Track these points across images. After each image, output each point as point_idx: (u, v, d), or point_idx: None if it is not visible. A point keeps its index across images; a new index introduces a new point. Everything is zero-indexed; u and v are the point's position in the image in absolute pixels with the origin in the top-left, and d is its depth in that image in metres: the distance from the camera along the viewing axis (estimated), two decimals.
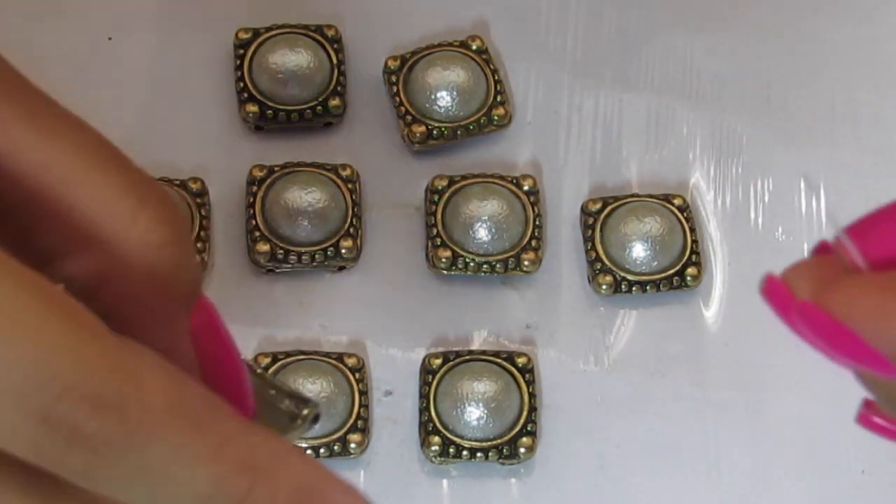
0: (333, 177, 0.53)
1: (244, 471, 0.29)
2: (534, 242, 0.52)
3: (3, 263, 0.27)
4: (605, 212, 0.53)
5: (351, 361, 0.51)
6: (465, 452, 0.50)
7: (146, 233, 0.30)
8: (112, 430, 0.27)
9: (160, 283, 0.30)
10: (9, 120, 0.29)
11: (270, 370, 0.50)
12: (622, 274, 0.52)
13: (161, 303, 0.31)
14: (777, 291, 0.31)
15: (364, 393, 0.50)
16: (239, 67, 0.55)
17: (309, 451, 0.49)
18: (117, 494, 0.29)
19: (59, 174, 0.30)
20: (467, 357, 0.51)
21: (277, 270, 0.52)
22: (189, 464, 0.28)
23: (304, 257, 0.52)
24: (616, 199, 0.54)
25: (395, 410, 0.51)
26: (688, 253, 0.53)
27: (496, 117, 0.54)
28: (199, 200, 0.52)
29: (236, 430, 0.29)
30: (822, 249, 0.32)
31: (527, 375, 0.51)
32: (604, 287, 0.52)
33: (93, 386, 0.27)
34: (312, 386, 0.50)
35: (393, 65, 0.55)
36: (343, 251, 0.52)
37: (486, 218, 0.52)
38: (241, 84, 0.54)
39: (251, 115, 0.54)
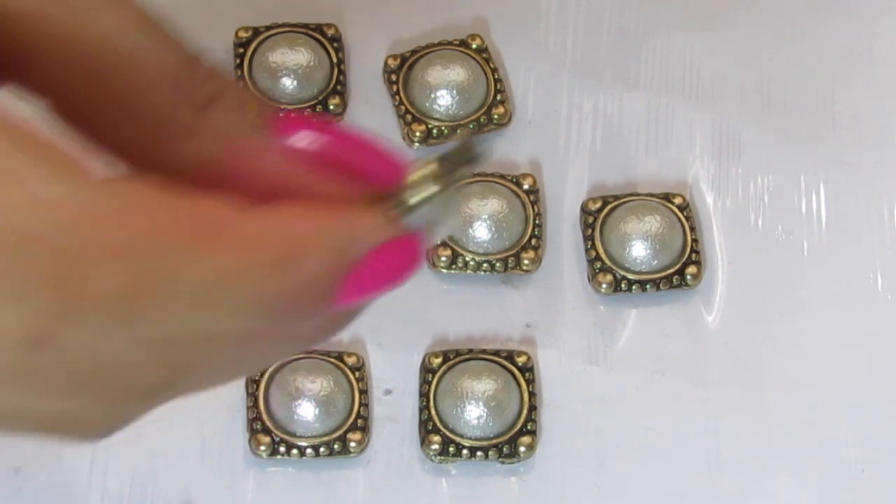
0: None
1: (276, 270, 0.28)
2: (534, 241, 0.52)
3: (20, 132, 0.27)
4: (605, 211, 0.53)
5: (351, 360, 0.51)
6: (465, 451, 0.50)
7: (199, 87, 0.30)
8: (131, 279, 0.27)
9: (227, 135, 0.30)
10: None
11: (269, 370, 0.50)
12: (622, 273, 0.52)
13: (238, 156, 0.30)
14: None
15: (364, 392, 0.50)
16: (239, 66, 0.55)
17: (309, 451, 0.49)
18: (151, 333, 0.28)
19: (109, 42, 0.29)
20: (467, 356, 0.51)
21: None
22: (221, 283, 0.28)
23: None
24: (616, 198, 0.54)
25: (395, 409, 0.51)
26: (688, 252, 0.53)
27: (496, 116, 0.54)
28: None
29: (254, 231, 0.28)
30: None
31: (527, 374, 0.51)
32: (604, 286, 0.52)
33: (102, 237, 0.27)
34: (312, 385, 0.50)
35: (393, 64, 0.55)
36: None
37: (486, 217, 0.52)
38: (241, 83, 0.54)
39: None
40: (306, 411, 0.50)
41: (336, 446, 0.49)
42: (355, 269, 0.29)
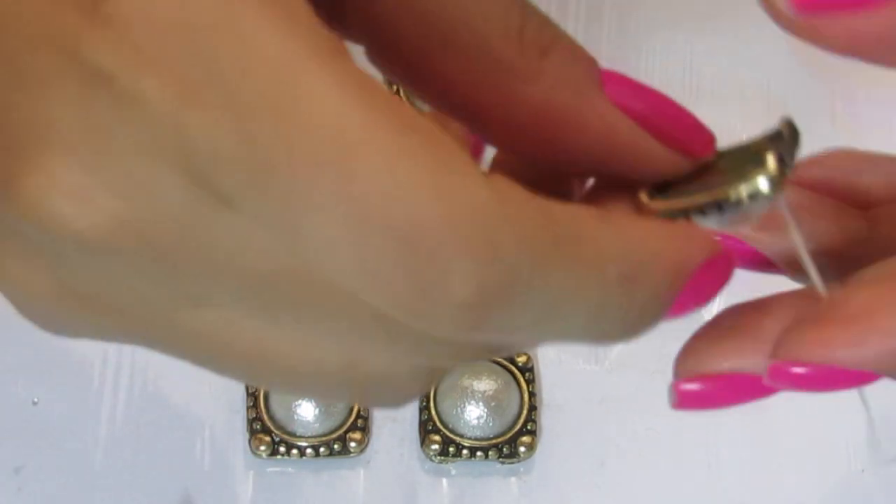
0: None
1: (624, 286, 0.27)
2: None
3: (373, 92, 0.25)
4: None
5: None
6: (464, 451, 0.50)
7: (531, 44, 0.29)
8: (491, 284, 0.25)
9: (564, 84, 0.29)
10: None
11: None
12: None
13: (574, 104, 0.29)
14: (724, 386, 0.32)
15: None
16: None
17: (308, 451, 0.49)
18: (491, 342, 0.27)
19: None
20: None
21: None
22: (571, 297, 0.26)
23: None
24: None
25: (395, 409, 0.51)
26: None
27: None
28: None
29: (608, 244, 0.27)
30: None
31: (527, 374, 0.51)
32: None
33: (467, 236, 0.25)
34: None
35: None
36: None
37: None
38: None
39: None
40: (306, 411, 0.50)
41: (336, 446, 0.49)
42: (688, 284, 0.29)
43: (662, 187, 0.30)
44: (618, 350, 0.52)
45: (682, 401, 0.32)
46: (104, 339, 0.29)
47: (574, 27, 0.57)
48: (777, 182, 0.29)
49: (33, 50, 0.25)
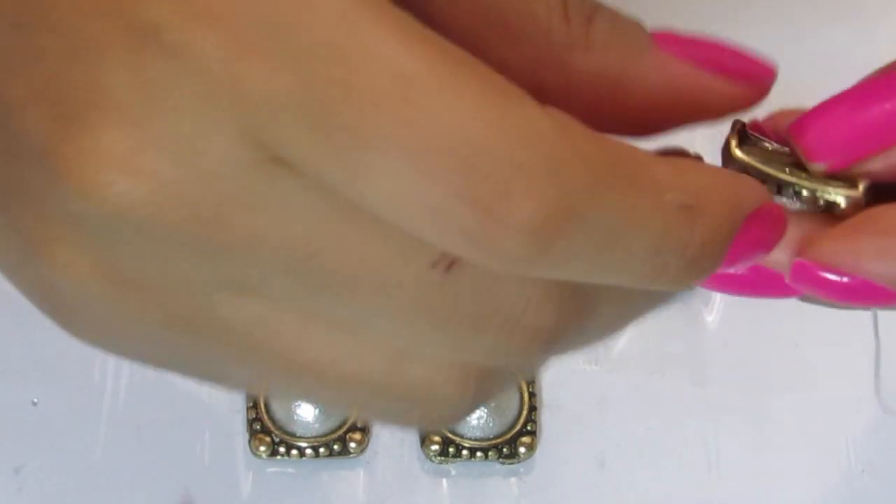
0: None
1: (683, 215, 0.27)
2: None
3: (422, 32, 0.25)
4: None
5: None
6: (464, 452, 0.50)
7: (575, 15, 0.29)
8: (553, 205, 0.25)
9: (614, 45, 0.29)
10: None
11: None
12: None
13: (630, 61, 0.29)
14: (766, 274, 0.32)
15: None
16: None
17: (308, 451, 0.49)
18: (553, 274, 0.26)
19: None
20: None
21: None
22: (632, 223, 0.26)
23: None
24: None
25: None
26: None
27: None
28: None
29: (666, 174, 0.27)
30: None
31: None
32: None
33: (527, 158, 0.25)
34: None
35: None
36: None
37: None
38: None
39: None
40: (306, 412, 0.50)
41: (336, 447, 0.49)
42: (740, 231, 0.29)
43: (747, 139, 0.31)
44: (618, 350, 0.52)
45: (804, 281, 0.33)
46: (134, 350, 0.29)
47: None
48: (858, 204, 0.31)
49: (82, 17, 0.25)
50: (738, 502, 0.51)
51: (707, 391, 0.52)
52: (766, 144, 0.31)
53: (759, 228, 0.29)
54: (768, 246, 0.30)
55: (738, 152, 0.30)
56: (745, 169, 0.30)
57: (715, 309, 0.53)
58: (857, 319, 0.53)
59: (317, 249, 0.26)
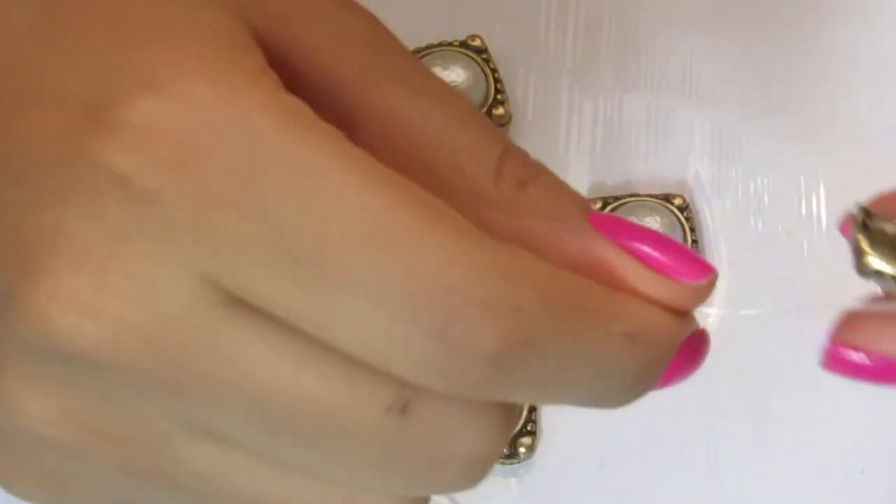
0: None
1: (627, 343, 0.28)
2: None
3: (385, 175, 0.26)
4: (605, 211, 0.53)
5: None
6: None
7: (510, 178, 0.30)
8: (513, 338, 0.26)
9: (543, 217, 0.30)
10: (386, 81, 0.29)
11: None
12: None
13: (554, 231, 0.30)
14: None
15: None
16: None
17: None
18: (507, 397, 0.28)
19: (431, 129, 0.30)
20: None
21: None
22: (581, 351, 0.28)
23: None
24: (616, 198, 0.54)
25: None
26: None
27: (496, 117, 0.54)
28: None
29: (612, 305, 0.29)
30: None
31: None
32: None
33: (489, 294, 0.26)
34: None
35: None
36: None
37: None
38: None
39: None
40: None
41: None
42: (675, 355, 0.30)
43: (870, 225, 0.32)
44: None
45: (834, 364, 0.35)
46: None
47: (574, 28, 0.57)
48: None
49: (47, 168, 0.26)
50: (738, 502, 0.51)
51: (707, 391, 0.52)
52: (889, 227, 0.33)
53: (691, 352, 0.32)
54: (695, 367, 0.32)
55: (872, 263, 0.32)
56: (871, 271, 0.32)
57: (715, 308, 0.53)
58: None
59: (275, 394, 0.26)
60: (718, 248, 0.54)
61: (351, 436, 0.27)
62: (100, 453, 0.28)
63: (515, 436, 0.50)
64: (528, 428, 0.50)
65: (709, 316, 0.35)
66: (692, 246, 0.53)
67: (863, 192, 0.54)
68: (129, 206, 0.25)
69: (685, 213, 0.53)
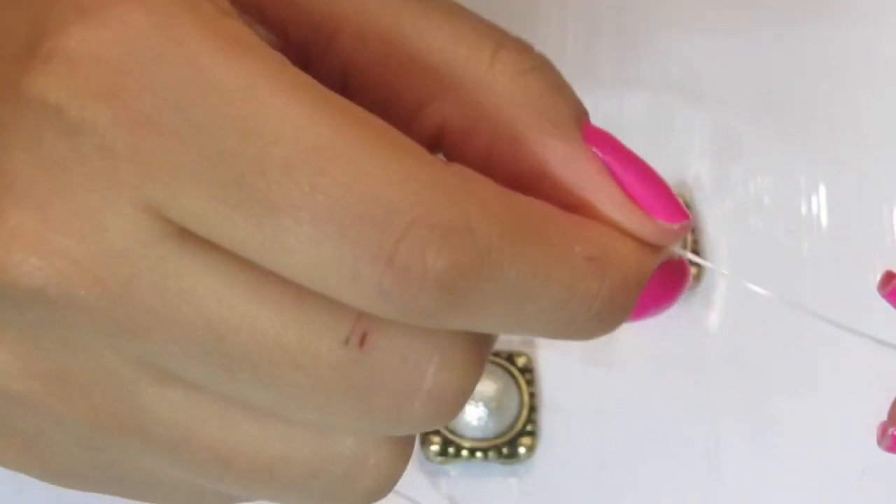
0: None
1: (591, 267, 0.27)
2: None
3: (326, 98, 0.26)
4: None
5: None
6: (464, 452, 0.50)
7: (508, 63, 0.29)
8: (464, 260, 0.25)
9: (533, 111, 0.29)
10: None
11: None
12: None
13: (542, 130, 0.29)
14: None
15: None
16: None
17: None
18: (467, 326, 0.27)
19: (411, 25, 0.29)
20: None
21: None
22: (542, 275, 0.27)
23: None
24: None
25: None
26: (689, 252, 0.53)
27: None
28: None
29: (574, 229, 0.28)
30: None
31: (527, 375, 0.51)
32: None
33: (436, 215, 0.25)
34: None
35: None
36: None
37: None
38: None
39: None
40: None
41: None
42: (647, 284, 0.29)
43: None
44: (618, 350, 0.52)
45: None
46: (61, 469, 0.29)
47: (574, 27, 0.57)
48: None
49: None
50: (738, 502, 0.51)
51: (707, 391, 0.52)
52: None
53: (665, 282, 0.30)
54: (673, 298, 0.30)
55: None
56: None
57: (715, 309, 0.53)
58: (857, 319, 0.53)
59: (230, 328, 0.26)
60: (718, 248, 0.54)
61: (310, 371, 0.26)
62: (66, 406, 0.27)
63: (515, 436, 0.50)
64: (528, 428, 0.50)
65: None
66: (692, 246, 0.53)
67: (863, 192, 0.55)
68: (65, 136, 0.25)
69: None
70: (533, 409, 0.50)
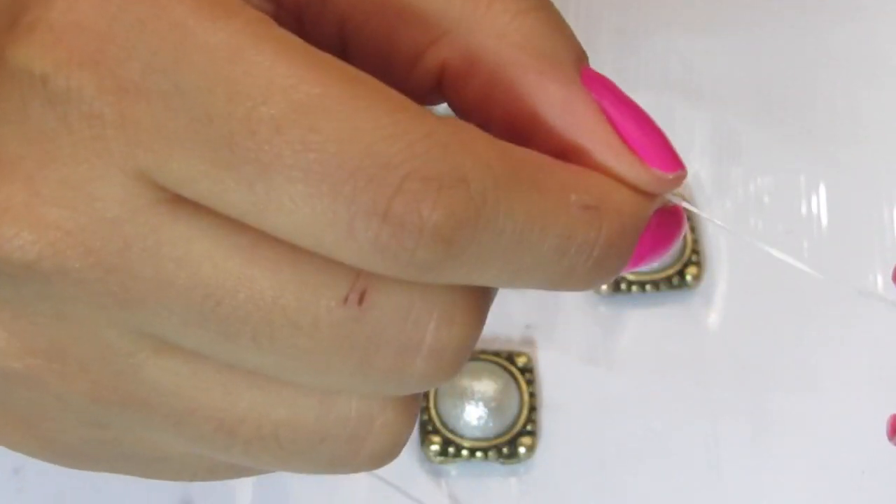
0: None
1: (588, 215, 0.27)
2: None
3: (313, 56, 0.25)
4: None
5: None
6: (464, 452, 0.50)
7: (507, 2, 0.28)
8: (460, 211, 0.25)
9: (531, 52, 0.29)
10: None
11: None
12: (622, 273, 0.52)
13: (540, 71, 0.29)
14: None
15: None
16: None
17: None
18: (465, 279, 0.27)
19: None
20: None
21: None
22: (538, 224, 0.26)
23: None
24: None
25: None
26: (688, 252, 0.53)
27: None
28: None
29: (569, 177, 0.27)
30: None
31: (527, 375, 0.51)
32: (604, 287, 0.52)
33: (430, 168, 0.25)
34: None
35: None
36: None
37: None
38: None
39: None
40: None
41: None
42: (644, 231, 0.29)
43: None
44: (618, 351, 0.52)
45: None
46: (66, 448, 0.28)
47: (574, 27, 0.57)
48: None
49: None
50: (738, 502, 0.51)
51: (708, 391, 0.52)
52: None
53: (661, 230, 0.29)
54: (670, 244, 0.30)
55: None
56: None
57: (715, 309, 0.53)
58: (857, 319, 0.53)
59: (227, 292, 0.26)
60: (718, 248, 0.54)
61: (310, 331, 0.26)
62: (66, 382, 0.27)
63: (515, 436, 0.50)
64: (528, 428, 0.50)
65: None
66: (692, 246, 0.53)
67: (863, 192, 0.55)
68: (52, 106, 0.25)
69: (686, 213, 0.53)
70: (533, 409, 0.50)
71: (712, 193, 0.55)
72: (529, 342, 0.52)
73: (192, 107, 0.25)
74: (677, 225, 0.30)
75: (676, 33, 0.57)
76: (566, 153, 0.28)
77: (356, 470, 0.29)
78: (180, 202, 0.26)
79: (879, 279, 0.53)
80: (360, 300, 0.26)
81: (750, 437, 0.51)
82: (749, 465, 0.51)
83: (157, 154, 0.25)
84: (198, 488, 0.50)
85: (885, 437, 0.51)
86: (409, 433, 0.29)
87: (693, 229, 0.53)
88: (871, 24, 0.58)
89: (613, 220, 0.28)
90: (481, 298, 0.28)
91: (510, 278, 0.27)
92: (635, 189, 0.28)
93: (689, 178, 0.55)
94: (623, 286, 0.52)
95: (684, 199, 0.31)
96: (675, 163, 0.29)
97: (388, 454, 0.29)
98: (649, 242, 0.29)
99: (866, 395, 0.52)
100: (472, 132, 0.26)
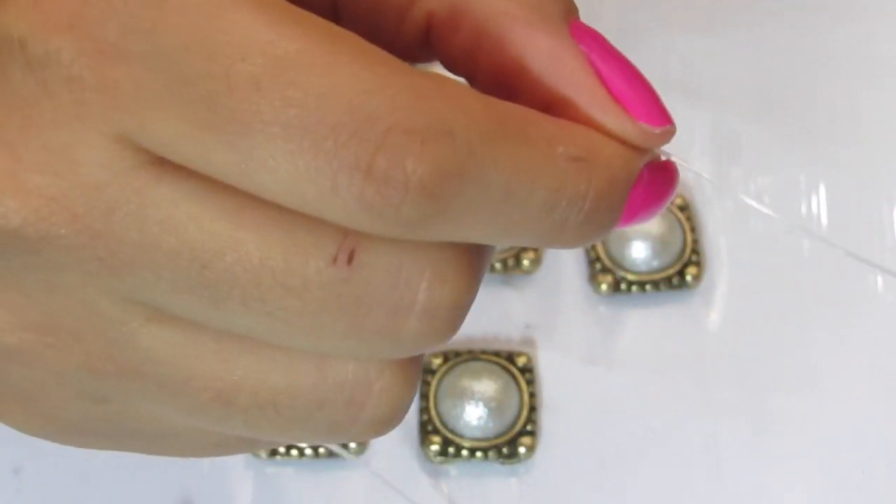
0: None
1: (576, 167, 0.26)
2: None
3: (291, 12, 0.25)
4: None
5: None
6: (464, 452, 0.50)
7: None
8: (445, 165, 0.25)
9: (520, 3, 0.28)
10: None
11: None
12: (622, 273, 0.52)
13: (528, 23, 0.28)
14: None
15: None
16: None
17: (308, 451, 0.49)
18: (454, 236, 0.26)
19: None
20: (467, 357, 0.51)
21: None
22: (526, 177, 0.26)
23: None
24: None
25: None
26: (688, 252, 0.53)
27: None
28: None
29: (556, 130, 0.27)
30: None
31: (527, 375, 0.51)
32: (604, 287, 0.52)
33: (414, 121, 0.25)
34: None
35: None
36: None
37: None
38: None
39: None
40: None
41: (336, 447, 0.49)
42: (635, 185, 0.28)
43: None
44: (618, 351, 0.52)
45: None
46: (65, 424, 0.28)
47: None
48: None
49: None
50: (738, 502, 0.51)
51: (708, 391, 0.52)
52: None
53: (653, 185, 0.29)
54: (663, 200, 0.29)
55: None
56: None
57: (715, 309, 0.53)
58: (857, 319, 0.53)
59: (214, 255, 0.26)
60: (718, 248, 0.54)
61: (300, 293, 0.26)
62: (62, 354, 0.27)
63: (515, 436, 0.50)
64: (528, 428, 0.50)
65: None
66: (692, 246, 0.53)
67: (863, 192, 0.55)
68: (31, 71, 0.25)
69: (685, 213, 0.53)
70: (533, 409, 0.50)
71: (712, 193, 0.55)
72: (529, 342, 0.52)
73: (171, 67, 0.24)
74: (670, 181, 0.29)
75: (676, 33, 0.57)
76: (553, 106, 0.28)
77: (357, 437, 0.28)
78: (164, 165, 0.25)
79: (879, 279, 0.53)
80: (350, 260, 0.26)
81: (750, 437, 0.51)
82: (749, 465, 0.51)
83: (138, 116, 0.25)
84: (198, 488, 0.50)
85: (884, 438, 0.51)
86: (410, 399, 0.28)
87: (693, 229, 0.53)
88: (871, 24, 0.58)
89: (602, 171, 0.27)
90: (475, 258, 0.27)
91: (500, 234, 0.27)
92: (623, 142, 0.28)
93: (689, 178, 0.55)
94: (623, 286, 0.52)
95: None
96: (663, 117, 0.29)
97: (388, 420, 0.28)
98: (642, 197, 0.29)
99: (866, 395, 0.52)
100: (455, 85, 0.26)
